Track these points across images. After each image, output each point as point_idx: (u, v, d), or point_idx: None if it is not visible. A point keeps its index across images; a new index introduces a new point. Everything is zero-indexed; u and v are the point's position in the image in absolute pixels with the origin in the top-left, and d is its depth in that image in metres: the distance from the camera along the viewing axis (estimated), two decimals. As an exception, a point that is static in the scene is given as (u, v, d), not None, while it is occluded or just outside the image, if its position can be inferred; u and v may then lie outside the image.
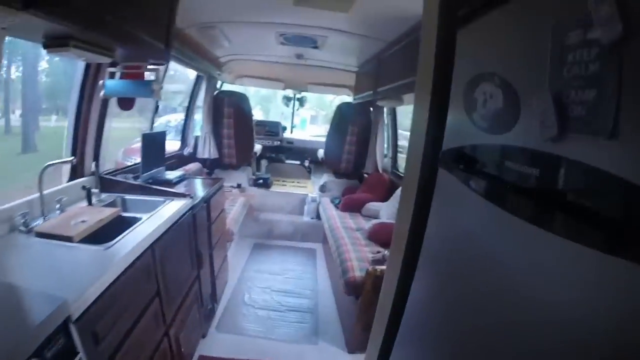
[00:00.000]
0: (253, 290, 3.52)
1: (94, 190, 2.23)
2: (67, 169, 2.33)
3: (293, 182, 5.70)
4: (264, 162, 6.07)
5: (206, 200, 2.75)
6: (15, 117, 3.59)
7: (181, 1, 2.25)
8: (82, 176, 2.38)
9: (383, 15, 2.59)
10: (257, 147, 5.65)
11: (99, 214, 1.94)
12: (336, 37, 3.28)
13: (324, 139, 5.93)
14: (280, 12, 2.81)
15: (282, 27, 3.21)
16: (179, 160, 4.34)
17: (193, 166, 4.31)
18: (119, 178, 2.55)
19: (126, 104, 2.47)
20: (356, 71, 4.61)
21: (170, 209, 2.16)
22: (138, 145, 3.12)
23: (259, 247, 4.60)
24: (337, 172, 5.34)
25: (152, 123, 3.71)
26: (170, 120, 7.33)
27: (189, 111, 4.65)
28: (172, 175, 3.12)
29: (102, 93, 2.27)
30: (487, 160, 0.83)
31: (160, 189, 2.48)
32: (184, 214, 2.26)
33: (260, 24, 3.16)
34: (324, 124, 20.44)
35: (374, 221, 3.68)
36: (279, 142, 6.26)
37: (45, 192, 1.85)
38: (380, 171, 4.78)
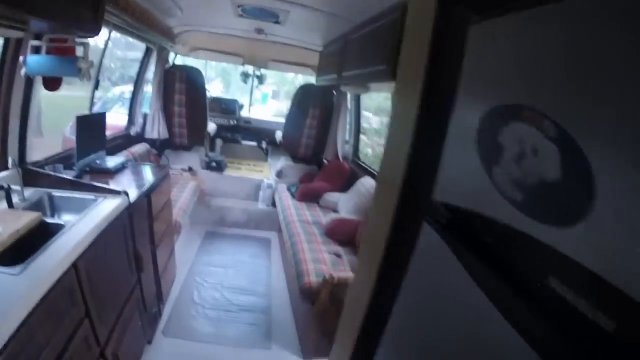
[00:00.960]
0: (203, 288, 3.29)
1: (16, 188, 1.90)
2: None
3: (249, 164, 5.41)
4: (218, 142, 5.72)
5: (147, 193, 2.46)
6: None
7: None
8: (4, 169, 2.03)
9: None
10: (212, 127, 5.28)
11: (16, 221, 1.63)
12: (300, 12, 2.99)
13: (282, 120, 5.67)
14: None
15: None
16: (125, 141, 3.96)
17: (140, 148, 3.93)
18: (47, 170, 2.21)
19: (52, 83, 2.10)
20: (320, 51, 4.34)
21: (102, 210, 1.88)
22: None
23: (211, 237, 4.35)
24: (295, 156, 5.12)
25: (92, 102, 3.29)
26: (124, 92, 6.70)
27: (137, 87, 4.21)
28: (112, 162, 2.79)
29: (22, 71, 1.90)
30: (510, 249, 0.54)
31: (91, 184, 2.16)
32: (118, 215, 1.98)
33: None
34: (286, 100, 20.17)
35: (333, 216, 3.53)
36: (235, 122, 5.91)
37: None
38: (341, 159, 4.61)
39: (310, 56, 4.61)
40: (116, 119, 4.44)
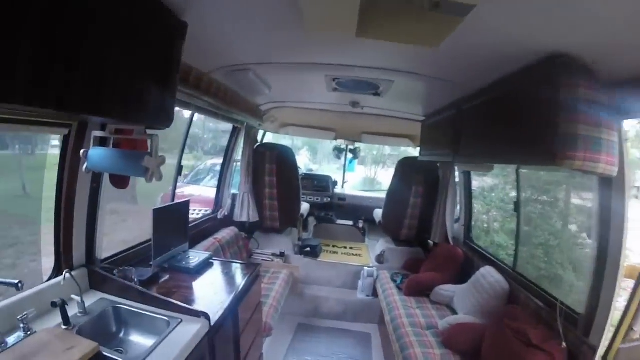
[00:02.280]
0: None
1: (75, 298, 1.61)
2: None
3: (345, 246, 4.92)
4: (311, 221, 5.37)
5: (234, 309, 2.05)
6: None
7: (199, 42, 1.68)
8: (70, 268, 1.78)
9: (481, 53, 1.79)
10: (304, 206, 4.97)
11: (66, 354, 1.28)
12: (405, 80, 2.55)
13: (380, 196, 5.18)
14: (332, 49, 2.08)
15: (334, 70, 2.49)
16: (212, 224, 3.76)
17: (227, 233, 3.70)
18: (117, 275, 1.93)
19: (119, 181, 1.86)
20: (422, 120, 3.87)
21: (175, 341, 1.49)
22: (181, 190, 2.53)
23: (303, 330, 3.83)
24: (397, 238, 4.52)
25: (174, 190, 3.12)
26: (216, 164, 6.77)
27: (225, 167, 4.09)
28: (195, 258, 2.51)
29: (84, 166, 1.68)
30: None
31: (164, 299, 1.80)
32: (196, 346, 1.56)
33: (306, 66, 2.43)
34: (373, 166, 19.90)
35: (450, 320, 2.82)
36: (329, 199, 5.56)
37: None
38: (451, 241, 3.91)
39: (409, 126, 4.19)
40: (209, 192, 4.32)
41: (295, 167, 4.32)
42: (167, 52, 1.46)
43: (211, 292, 2.13)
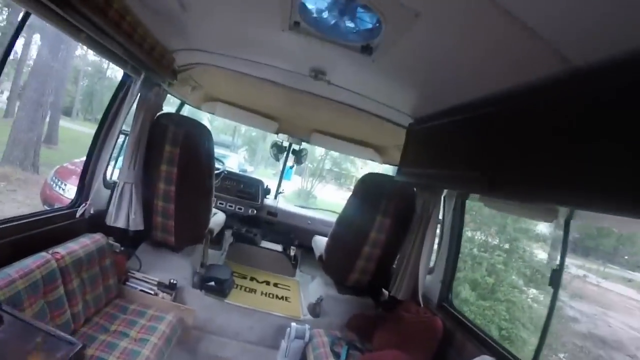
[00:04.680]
0: None
1: None
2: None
3: (267, 281, 3.51)
4: (227, 237, 3.91)
5: None
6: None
7: None
8: None
9: None
10: (219, 217, 3.49)
11: None
12: (434, 25, 1.36)
13: (322, 217, 3.90)
14: None
15: None
16: (64, 225, 2.31)
17: (84, 245, 2.21)
18: None
19: None
20: (409, 125, 2.65)
21: None
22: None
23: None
24: (342, 282, 3.20)
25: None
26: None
27: (99, 139, 2.55)
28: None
29: None
30: None
31: None
32: None
33: None
34: (310, 177, 18.73)
35: None
36: (255, 211, 4.13)
37: None
38: (420, 301, 2.68)
39: (380, 131, 3.05)
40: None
41: (210, 156, 2.81)
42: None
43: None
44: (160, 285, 2.72)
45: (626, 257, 9.89)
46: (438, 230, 2.83)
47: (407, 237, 2.87)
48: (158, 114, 2.74)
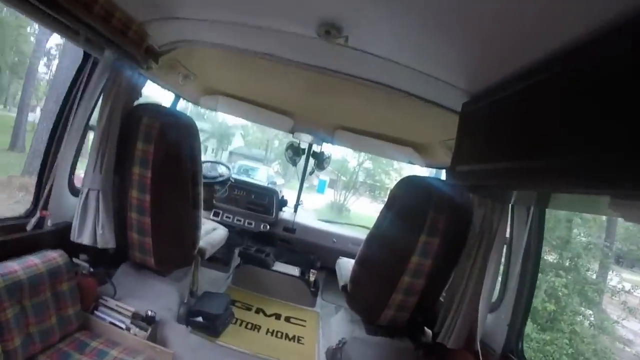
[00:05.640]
0: None
1: None
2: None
3: (279, 313, 2.83)
4: (236, 256, 3.28)
5: None
6: None
7: None
8: None
9: None
10: (218, 234, 2.85)
11: None
12: None
13: (352, 234, 3.21)
14: None
15: None
16: (16, 239, 1.81)
17: (32, 265, 1.71)
18: None
19: None
20: (463, 105, 1.88)
21: None
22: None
23: None
24: (373, 320, 2.43)
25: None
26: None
27: (59, 135, 2.00)
28: None
29: None
30: None
31: None
32: None
33: None
34: (343, 190, 18.05)
35: None
36: (268, 227, 3.47)
37: None
38: (479, 349, 1.90)
39: (428, 122, 2.34)
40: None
41: (194, 156, 2.15)
42: None
43: None
44: (135, 317, 2.12)
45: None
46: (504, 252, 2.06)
47: (461, 262, 2.11)
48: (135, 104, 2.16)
